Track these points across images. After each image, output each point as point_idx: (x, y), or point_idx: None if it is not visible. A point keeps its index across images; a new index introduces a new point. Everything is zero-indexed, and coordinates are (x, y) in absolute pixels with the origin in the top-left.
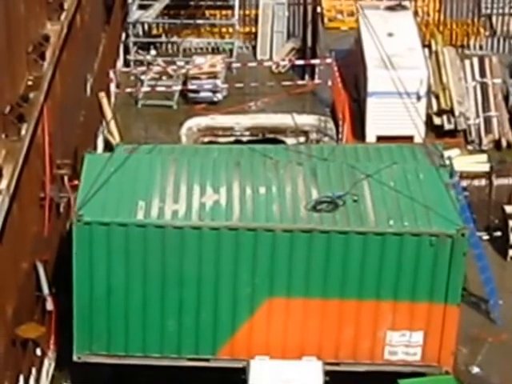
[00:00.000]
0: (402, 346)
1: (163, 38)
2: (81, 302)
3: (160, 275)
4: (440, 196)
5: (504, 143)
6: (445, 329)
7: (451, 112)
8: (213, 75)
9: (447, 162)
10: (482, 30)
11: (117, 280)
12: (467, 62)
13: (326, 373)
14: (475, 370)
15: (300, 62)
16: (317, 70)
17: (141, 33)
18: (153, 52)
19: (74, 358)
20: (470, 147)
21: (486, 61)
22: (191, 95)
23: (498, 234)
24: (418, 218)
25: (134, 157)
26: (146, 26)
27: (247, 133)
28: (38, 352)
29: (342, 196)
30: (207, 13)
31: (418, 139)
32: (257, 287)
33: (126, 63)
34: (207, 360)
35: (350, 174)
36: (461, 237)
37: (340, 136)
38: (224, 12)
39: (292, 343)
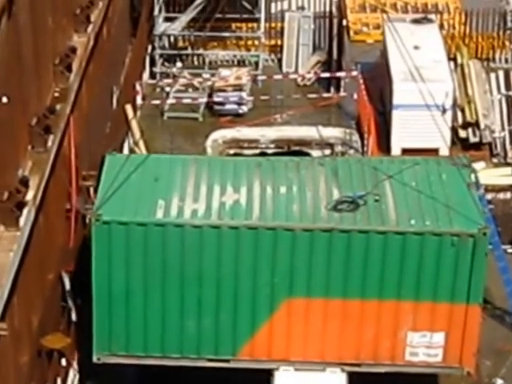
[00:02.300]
0: (423, 346)
1: (189, 51)
2: (100, 302)
3: (179, 275)
4: (462, 196)
5: None
6: (466, 329)
7: (476, 125)
8: (238, 88)
9: (473, 175)
10: (507, 44)
11: (136, 280)
12: (493, 75)
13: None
14: (499, 382)
15: (325, 75)
16: (342, 82)
17: (167, 45)
18: (179, 64)
19: (94, 359)
20: (495, 160)
21: (511, 74)
22: (217, 107)
23: None
24: (440, 217)
25: (153, 157)
26: (172, 39)
27: (272, 145)
28: (64, 362)
29: (364, 196)
30: (233, 25)
31: (443, 152)
32: (276, 287)
33: (152, 75)
34: (227, 361)
35: (372, 174)
36: (482, 236)
37: (365, 149)
38: (250, 25)
39: (312, 344)
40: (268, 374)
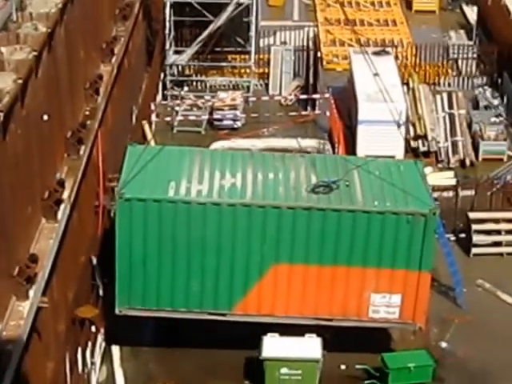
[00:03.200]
0: (384, 306)
1: (194, 77)
2: (121, 266)
3: (186, 243)
4: (416, 183)
5: (468, 162)
6: (419, 291)
7: (425, 137)
8: (233, 107)
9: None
10: (450, 71)
11: (151, 247)
12: (438, 97)
13: (323, 347)
14: (444, 345)
15: (303, 97)
16: (317, 103)
17: (176, 73)
18: (185, 88)
19: (116, 311)
20: (440, 165)
21: (453, 96)
22: (216, 123)
23: (463, 235)
24: (398, 200)
25: (166, 148)
26: (180, 68)
27: None
28: (93, 329)
29: (336, 181)
30: (229, 57)
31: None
32: (265, 254)
33: (164, 97)
34: (224, 315)
35: (343, 165)
36: (432, 215)
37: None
38: (242, 56)
39: (294, 302)
40: (258, 339)
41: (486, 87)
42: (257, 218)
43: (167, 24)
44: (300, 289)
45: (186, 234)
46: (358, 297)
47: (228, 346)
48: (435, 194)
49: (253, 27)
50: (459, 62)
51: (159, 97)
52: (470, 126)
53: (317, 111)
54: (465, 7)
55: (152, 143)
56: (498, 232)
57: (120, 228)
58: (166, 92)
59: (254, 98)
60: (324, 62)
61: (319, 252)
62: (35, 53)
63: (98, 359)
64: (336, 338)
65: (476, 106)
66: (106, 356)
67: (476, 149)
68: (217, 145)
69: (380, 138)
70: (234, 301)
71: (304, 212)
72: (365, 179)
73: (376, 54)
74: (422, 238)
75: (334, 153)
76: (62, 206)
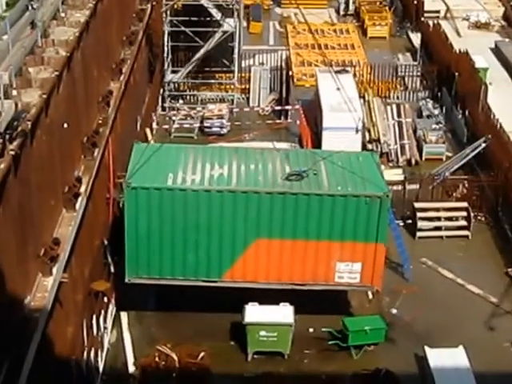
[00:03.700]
0: (347, 272)
1: (187, 92)
2: (130, 242)
3: (182, 223)
4: (372, 171)
5: (413, 162)
6: (376, 260)
7: (378, 140)
8: (220, 116)
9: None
10: (398, 86)
11: (154, 227)
12: (389, 108)
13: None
14: (394, 311)
15: (278, 108)
16: (289, 113)
17: (173, 88)
18: (181, 101)
19: (126, 280)
20: (390, 164)
21: (401, 107)
22: (206, 130)
23: (409, 221)
24: (357, 185)
25: (165, 145)
26: (176, 84)
27: None
28: (105, 300)
29: (306, 171)
30: (216, 75)
31: None
32: (248, 231)
33: (163, 109)
34: (215, 281)
35: (312, 157)
36: (386, 197)
37: None
38: (228, 75)
39: (273, 270)
40: (241, 308)
41: (428, 100)
42: (240, 201)
43: (165, 48)
44: (278, 259)
45: (182, 216)
46: (326, 265)
47: (216, 310)
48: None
49: (236, 51)
50: (406, 78)
51: (159, 108)
52: (415, 131)
53: (289, 120)
54: (410, 34)
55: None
56: (439, 219)
57: (128, 212)
58: (164, 104)
59: (237, 109)
60: (295, 80)
61: (293, 228)
62: (57, 72)
63: (109, 324)
64: (307, 305)
65: (420, 115)
66: (116, 321)
67: (420, 150)
68: None
69: (341, 142)
70: (223, 270)
71: (280, 196)
72: (330, 168)
73: (338, 72)
74: (378, 216)
75: None
76: (80, 199)
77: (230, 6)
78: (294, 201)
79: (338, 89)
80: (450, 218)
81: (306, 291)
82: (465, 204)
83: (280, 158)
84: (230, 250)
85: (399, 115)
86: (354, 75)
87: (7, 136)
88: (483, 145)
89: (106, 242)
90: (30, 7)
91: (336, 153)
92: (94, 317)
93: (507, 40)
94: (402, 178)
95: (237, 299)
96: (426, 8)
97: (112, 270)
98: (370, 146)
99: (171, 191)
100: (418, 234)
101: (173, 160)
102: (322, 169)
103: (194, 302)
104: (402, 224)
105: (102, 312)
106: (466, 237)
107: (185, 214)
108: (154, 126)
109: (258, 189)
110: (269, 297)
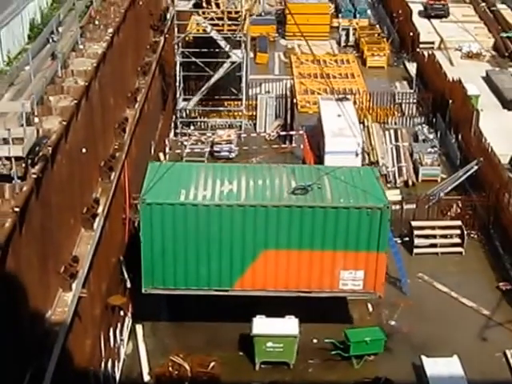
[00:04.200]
0: (351, 280)
1: (198, 119)
2: (146, 255)
3: (195, 236)
4: (373, 184)
5: (410, 183)
6: (378, 268)
7: (377, 163)
8: (229, 141)
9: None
10: (395, 113)
11: (168, 240)
12: (387, 133)
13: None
14: (392, 323)
15: (283, 133)
16: (293, 138)
17: (184, 115)
18: (192, 127)
19: (143, 291)
20: (388, 185)
21: (399, 132)
22: (215, 154)
23: (407, 239)
24: (359, 197)
25: (178, 164)
26: (188, 111)
27: None
28: (122, 313)
29: (311, 185)
30: (225, 103)
31: None
32: (257, 242)
33: (175, 134)
34: (227, 291)
35: (316, 172)
36: (386, 209)
37: None
38: (236, 102)
39: (280, 279)
40: (249, 320)
41: (423, 125)
42: (249, 214)
43: (177, 78)
44: (285, 268)
45: (194, 229)
46: (331, 273)
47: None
48: None
49: (243, 80)
50: (403, 105)
51: (172, 134)
52: (411, 154)
53: (293, 144)
54: (407, 63)
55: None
56: (434, 236)
57: (143, 226)
58: (176, 130)
59: (244, 135)
60: (299, 107)
61: (299, 239)
62: (76, 101)
63: (125, 336)
64: (311, 318)
65: (416, 140)
66: (132, 334)
67: (416, 172)
68: None
69: (342, 165)
70: (234, 279)
71: (286, 209)
72: (333, 182)
73: (339, 99)
74: (379, 226)
75: None
76: (97, 219)
77: (238, 38)
78: (300, 213)
79: (339, 115)
80: (444, 236)
81: (312, 302)
82: (458, 222)
83: (286, 173)
84: (239, 260)
85: (397, 139)
86: (354, 102)
87: (29, 160)
88: (475, 167)
89: (122, 259)
90: (50, 40)
91: (338, 168)
92: (111, 329)
93: (497, 69)
94: (399, 198)
95: (245, 311)
96: (421, 39)
97: (128, 285)
98: None
99: (184, 206)
100: (415, 250)
101: (185, 177)
102: (325, 183)
103: (205, 313)
104: (399, 241)
105: (119, 325)
106: (460, 253)
107: (197, 227)
108: (167, 150)
109: (265, 203)
110: (275, 309)
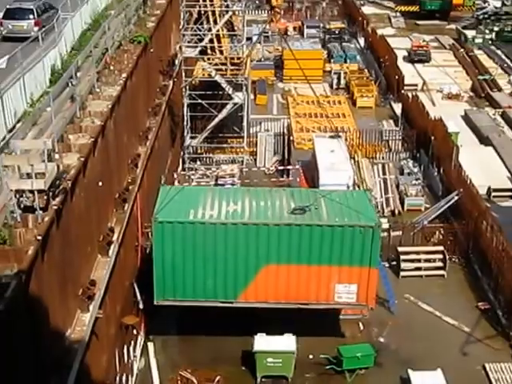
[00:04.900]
0: (345, 293)
1: (204, 155)
2: (157, 270)
3: (203, 252)
4: (365, 205)
5: (396, 212)
6: (370, 282)
7: None
8: (232, 175)
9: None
10: (383, 149)
11: (178, 255)
12: (375, 167)
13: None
14: (382, 339)
15: (281, 168)
16: (290, 172)
17: (191, 151)
18: (198, 163)
19: (155, 302)
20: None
21: (386, 166)
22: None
23: (394, 263)
24: (353, 217)
25: (187, 187)
26: (195, 148)
27: None
28: (135, 332)
29: (308, 206)
30: (228, 140)
31: None
32: (259, 258)
33: (183, 169)
34: (231, 302)
35: (313, 195)
36: (377, 227)
37: None
38: (238, 140)
39: (281, 292)
40: (251, 338)
41: (408, 160)
42: (252, 232)
43: (185, 118)
44: (285, 282)
45: (202, 246)
46: (327, 287)
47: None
48: None
49: (245, 119)
50: (390, 142)
51: (180, 168)
52: (397, 186)
53: (290, 178)
54: (393, 104)
55: None
56: (419, 260)
57: (155, 243)
58: (184, 165)
59: (246, 169)
60: (295, 144)
61: (297, 255)
62: (93, 139)
63: (138, 353)
64: (307, 335)
65: (402, 173)
66: (144, 350)
67: (402, 202)
68: None
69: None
70: (238, 292)
71: (286, 227)
72: (328, 204)
73: (331, 137)
74: (371, 243)
75: None
76: (112, 246)
77: (240, 82)
78: (298, 231)
79: (332, 151)
80: (428, 260)
81: (308, 321)
82: (441, 248)
83: (286, 195)
84: (243, 274)
85: (384, 173)
86: (346, 139)
87: (51, 193)
88: (456, 197)
89: (134, 283)
90: (69, 84)
91: (333, 191)
92: (125, 346)
93: (475, 108)
94: (387, 226)
95: (247, 328)
96: (405, 82)
97: (140, 306)
98: None
99: (192, 225)
100: (402, 273)
101: (193, 199)
102: (321, 204)
103: (210, 329)
104: (387, 265)
105: (132, 342)
106: (443, 276)
107: (204, 244)
108: (176, 183)
109: (267, 221)
110: (274, 327)
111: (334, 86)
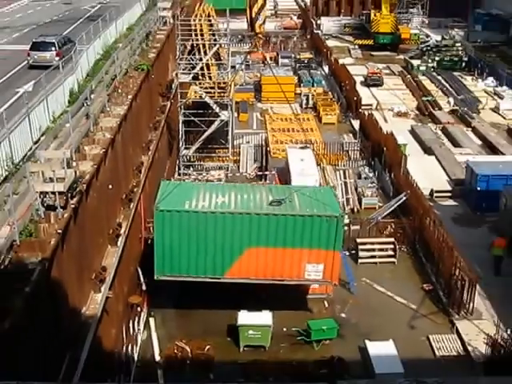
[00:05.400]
0: (313, 271)
1: (196, 163)
2: (158, 250)
3: (196, 236)
4: (331, 199)
5: (355, 210)
6: (334, 262)
7: None
8: (219, 179)
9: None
10: (344, 157)
11: (175, 238)
12: (337, 172)
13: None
14: (343, 315)
15: (260, 173)
16: (268, 176)
17: (186, 160)
18: (191, 169)
19: (155, 277)
20: None
21: (346, 171)
22: None
23: (353, 252)
24: (321, 208)
25: (183, 182)
26: (188, 157)
27: None
28: (139, 309)
29: (284, 199)
30: (216, 150)
31: None
32: (242, 241)
33: (179, 174)
34: (219, 278)
35: (288, 190)
36: (341, 217)
37: None
38: (224, 150)
39: (260, 270)
40: (235, 314)
41: (365, 166)
42: (237, 220)
43: (180, 132)
44: (264, 262)
45: (195, 231)
46: (298, 266)
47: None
48: None
49: (230, 133)
50: (349, 152)
51: (176, 174)
52: (356, 189)
53: (267, 181)
54: (352, 120)
55: None
56: (373, 250)
57: (156, 228)
58: (180, 171)
59: (231, 174)
60: (271, 153)
61: (274, 239)
62: (104, 149)
63: (141, 327)
64: (281, 311)
65: (359, 177)
66: (146, 324)
67: (360, 202)
68: None
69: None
70: (225, 270)
71: (265, 217)
72: (300, 197)
73: (301, 148)
74: (335, 230)
75: None
76: (120, 238)
77: (225, 102)
78: (276, 220)
79: (302, 159)
80: (381, 250)
81: (282, 300)
82: (392, 239)
83: (265, 190)
84: (229, 255)
85: (345, 177)
86: (313, 150)
87: (69, 194)
88: (404, 198)
89: (138, 268)
90: (84, 104)
91: (304, 187)
92: (131, 321)
93: (419, 124)
94: (347, 221)
95: (232, 305)
96: (362, 102)
97: (143, 287)
98: None
99: (188, 213)
100: (359, 260)
101: (189, 192)
102: (295, 198)
103: (202, 306)
104: (348, 254)
105: (136, 318)
106: (393, 263)
107: (197, 229)
108: None
109: (249, 211)
110: (255, 305)
111: (304, 106)
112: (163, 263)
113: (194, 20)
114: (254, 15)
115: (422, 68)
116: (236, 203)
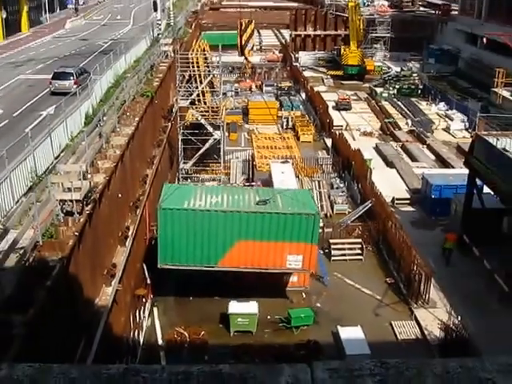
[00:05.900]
0: (294, 261)
1: (193, 175)
2: (161, 243)
3: (193, 230)
4: (308, 200)
5: (328, 215)
6: (311, 254)
7: None
8: None
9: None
10: (319, 171)
11: (176, 233)
12: (313, 183)
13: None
14: (318, 305)
15: (247, 184)
16: (254, 186)
17: (184, 172)
18: (189, 180)
19: (158, 266)
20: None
21: (320, 182)
22: None
23: (327, 250)
24: (300, 207)
25: (183, 185)
26: (186, 170)
27: None
28: (144, 300)
29: (268, 199)
30: (210, 165)
31: None
32: (233, 235)
33: None
34: (213, 267)
35: (272, 192)
36: (317, 215)
37: None
38: (217, 164)
39: (249, 260)
40: (227, 303)
41: (336, 178)
42: (229, 217)
43: (179, 148)
44: (252, 253)
45: (193, 226)
46: (281, 256)
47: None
48: None
49: (222, 150)
50: (323, 166)
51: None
52: (329, 197)
53: None
54: (325, 139)
55: None
56: (344, 249)
57: (160, 224)
58: (179, 182)
59: (222, 185)
60: (257, 167)
61: (261, 234)
62: (114, 164)
63: (146, 315)
64: (266, 301)
65: (332, 187)
66: (150, 313)
67: (332, 208)
68: None
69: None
70: (218, 259)
71: (253, 214)
72: (283, 198)
73: (282, 162)
74: (313, 226)
75: None
76: (128, 239)
77: (218, 124)
78: (262, 217)
79: (283, 172)
80: (350, 249)
81: (268, 289)
82: (359, 240)
83: (253, 192)
84: (222, 247)
85: (319, 187)
86: (293, 164)
87: (85, 202)
88: (369, 204)
89: (144, 265)
90: (98, 125)
91: (286, 190)
92: (137, 310)
93: (382, 142)
94: (321, 224)
95: (224, 295)
96: (334, 123)
97: (148, 281)
98: None
99: (187, 211)
100: (332, 258)
101: (188, 193)
102: (278, 199)
103: (198, 293)
104: (322, 252)
105: (142, 307)
106: (361, 260)
107: (195, 224)
108: None
109: (239, 209)
110: (243, 295)
111: (284, 127)
112: (165, 254)
113: (192, 54)
114: (243, 42)
115: (385, 95)
116: (228, 203)
